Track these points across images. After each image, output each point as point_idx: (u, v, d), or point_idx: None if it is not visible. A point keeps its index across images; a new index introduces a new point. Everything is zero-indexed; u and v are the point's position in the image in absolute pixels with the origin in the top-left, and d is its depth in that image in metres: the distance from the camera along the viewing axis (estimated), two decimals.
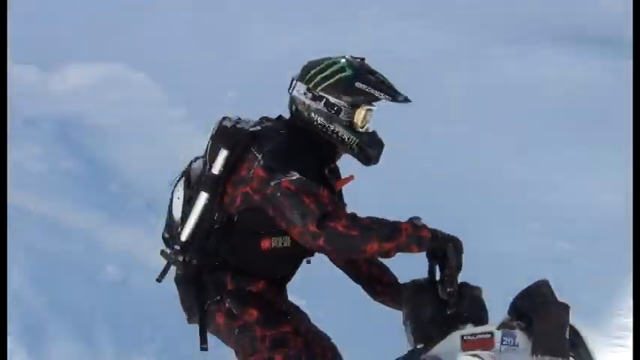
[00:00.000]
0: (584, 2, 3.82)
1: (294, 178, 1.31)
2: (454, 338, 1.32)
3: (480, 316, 1.35)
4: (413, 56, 3.58)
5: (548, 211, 2.85)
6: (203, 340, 1.48)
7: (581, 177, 3.16)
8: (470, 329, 1.32)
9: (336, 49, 1.53)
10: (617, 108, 3.01)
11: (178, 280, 1.54)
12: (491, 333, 1.30)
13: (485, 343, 1.29)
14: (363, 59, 1.46)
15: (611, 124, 3.01)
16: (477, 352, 1.28)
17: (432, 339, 1.33)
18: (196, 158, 1.56)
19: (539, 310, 1.27)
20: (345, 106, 1.41)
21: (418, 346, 1.36)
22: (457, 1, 3.91)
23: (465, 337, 1.30)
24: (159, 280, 1.54)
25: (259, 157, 1.38)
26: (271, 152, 1.37)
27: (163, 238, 1.57)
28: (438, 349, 1.33)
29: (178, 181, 1.54)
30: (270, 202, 1.33)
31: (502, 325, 1.29)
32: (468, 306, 1.35)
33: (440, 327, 1.34)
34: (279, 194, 1.30)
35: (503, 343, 1.29)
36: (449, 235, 1.34)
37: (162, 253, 1.52)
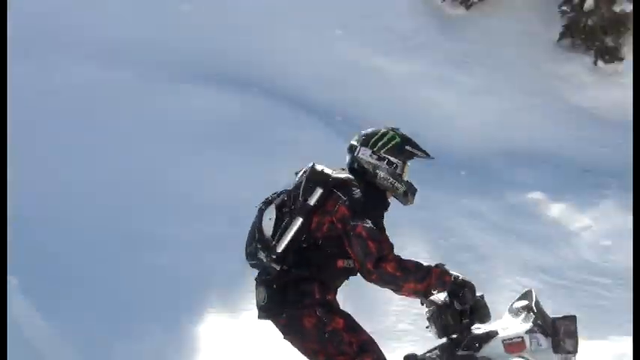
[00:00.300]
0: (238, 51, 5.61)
1: (366, 225, 1.92)
2: (497, 343, 1.95)
3: (484, 320, 2.01)
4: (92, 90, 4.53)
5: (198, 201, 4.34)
6: (286, 332, 1.99)
7: (224, 178, 4.64)
8: (505, 334, 1.97)
9: None
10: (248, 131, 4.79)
11: (261, 283, 2.04)
12: (522, 337, 1.93)
13: (521, 346, 1.92)
14: (398, 129, 2.15)
15: (249, 142, 4.67)
16: (521, 353, 1.92)
17: (451, 334, 2.02)
18: (279, 193, 2.11)
19: (557, 321, 1.91)
20: (399, 163, 2.09)
21: (444, 339, 2.02)
22: (132, 43, 4.87)
23: (504, 342, 1.93)
24: (256, 279, 2.05)
25: (344, 198, 1.98)
26: (354, 199, 1.98)
27: (247, 249, 2.07)
28: (486, 350, 1.96)
29: (267, 206, 2.08)
30: (346, 235, 1.94)
31: (529, 331, 1.91)
32: (476, 317, 2.01)
33: (457, 328, 2.01)
34: (352, 234, 1.91)
35: (532, 344, 1.92)
36: (463, 280, 2.00)
37: (253, 258, 2.03)
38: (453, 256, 4.69)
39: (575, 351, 2.01)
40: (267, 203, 2.13)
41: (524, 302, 2.08)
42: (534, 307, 2.01)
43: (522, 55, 6.43)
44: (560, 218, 5.35)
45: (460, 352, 1.99)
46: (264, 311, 2.07)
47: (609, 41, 5.95)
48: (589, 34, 6.13)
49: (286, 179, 2.18)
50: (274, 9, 6.50)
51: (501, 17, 6.51)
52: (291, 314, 2.00)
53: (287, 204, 2.09)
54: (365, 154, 2.11)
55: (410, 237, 4.93)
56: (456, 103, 6.21)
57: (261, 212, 2.13)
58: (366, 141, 2.14)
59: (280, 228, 2.03)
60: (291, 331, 2.04)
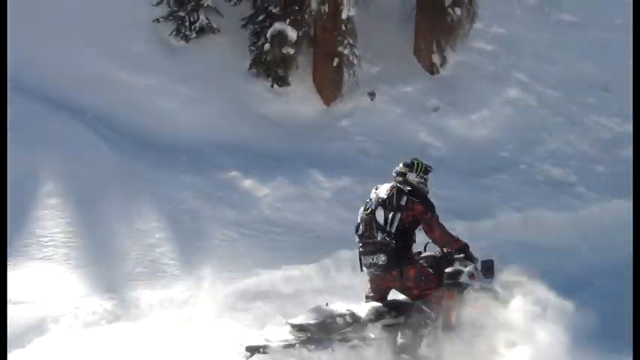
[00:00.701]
0: None
1: (435, 214, 3.96)
2: (464, 275, 3.93)
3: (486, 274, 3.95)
4: None
5: None
6: (395, 279, 3.93)
7: None
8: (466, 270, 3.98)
9: None
10: None
11: (377, 251, 3.90)
12: (473, 272, 3.93)
13: (474, 276, 3.87)
14: (419, 158, 4.13)
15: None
16: (474, 279, 3.95)
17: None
18: (373, 202, 4.04)
19: (482, 262, 3.90)
20: (427, 178, 4.07)
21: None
22: None
23: (467, 273, 3.88)
24: (366, 251, 4.02)
25: (417, 200, 3.95)
26: (424, 199, 3.97)
27: (361, 234, 4.00)
28: (462, 278, 3.97)
29: (377, 207, 3.97)
30: (425, 221, 3.94)
31: (474, 268, 3.82)
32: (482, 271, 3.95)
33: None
34: (432, 220, 3.92)
35: (477, 274, 3.90)
36: (472, 254, 4.01)
37: (369, 238, 3.92)
38: (175, 216, 6.25)
39: (492, 275, 3.88)
40: (375, 206, 3.99)
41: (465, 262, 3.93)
42: (472, 260, 3.93)
43: (226, 76, 8.29)
44: (250, 189, 7.03)
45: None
46: (383, 269, 3.91)
47: (280, 72, 8.44)
48: (267, 66, 8.37)
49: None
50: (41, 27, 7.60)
51: (211, 50, 8.53)
52: (402, 268, 3.87)
53: (387, 206, 3.91)
54: (412, 177, 4.04)
55: (147, 205, 6.29)
56: (180, 108, 7.92)
57: (372, 212, 3.97)
58: (411, 168, 4.05)
59: (389, 219, 3.88)
60: (400, 278, 3.89)
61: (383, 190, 4.03)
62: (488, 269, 3.92)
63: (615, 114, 8.96)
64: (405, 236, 3.89)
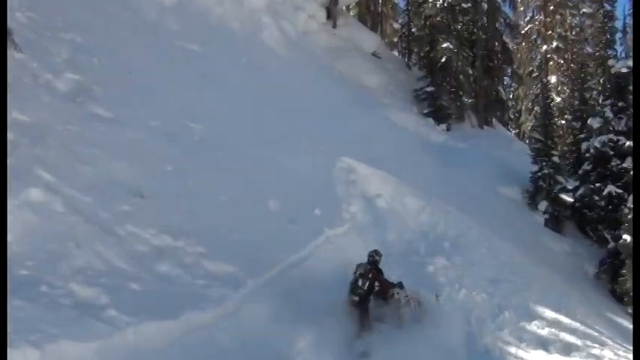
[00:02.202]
0: None
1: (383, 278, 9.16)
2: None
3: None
4: None
5: None
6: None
7: None
8: None
9: None
10: None
11: (356, 303, 8.69)
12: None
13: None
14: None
15: None
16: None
17: None
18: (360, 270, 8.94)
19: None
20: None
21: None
22: None
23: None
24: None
25: (375, 270, 8.94)
26: (379, 270, 9.09)
27: (354, 292, 8.72)
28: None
29: (360, 276, 8.79)
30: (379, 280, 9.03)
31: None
32: None
33: None
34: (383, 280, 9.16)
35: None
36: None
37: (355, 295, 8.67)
38: None
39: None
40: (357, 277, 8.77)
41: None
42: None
43: None
44: None
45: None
46: (357, 301, 8.62)
47: None
48: None
49: None
50: None
51: None
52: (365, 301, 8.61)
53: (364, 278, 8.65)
54: (378, 259, 9.03)
55: None
56: None
57: (356, 279, 8.76)
58: (379, 254, 9.09)
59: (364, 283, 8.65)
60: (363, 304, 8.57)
61: (362, 268, 8.93)
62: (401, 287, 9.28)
63: (151, 224, 8.46)
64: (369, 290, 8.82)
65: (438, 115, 25.92)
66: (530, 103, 34.48)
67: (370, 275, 8.99)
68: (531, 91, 34.44)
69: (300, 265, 9.39)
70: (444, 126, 26.04)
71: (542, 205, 19.94)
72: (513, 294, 11.86)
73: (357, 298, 8.74)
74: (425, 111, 26.69)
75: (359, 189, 13.57)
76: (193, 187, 9.56)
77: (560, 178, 20.33)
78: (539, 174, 20.25)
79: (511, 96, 38.34)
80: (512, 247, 14.21)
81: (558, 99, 30.44)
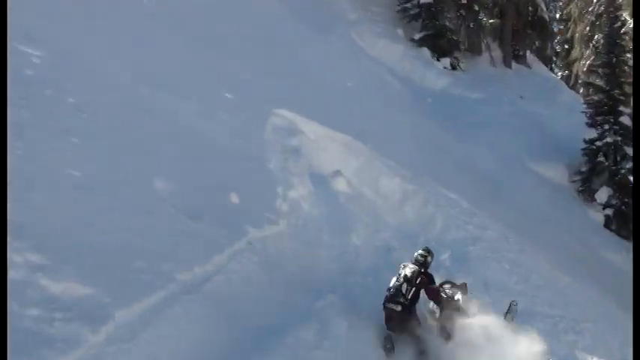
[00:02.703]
0: None
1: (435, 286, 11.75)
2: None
3: None
4: None
5: None
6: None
7: None
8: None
9: None
10: None
11: (397, 312, 11.04)
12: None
13: None
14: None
15: None
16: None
17: None
18: (405, 276, 11.28)
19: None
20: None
21: None
22: None
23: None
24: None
25: (424, 275, 11.53)
26: (430, 275, 11.67)
27: (391, 294, 11.05)
28: None
29: (402, 283, 11.15)
30: (427, 289, 11.56)
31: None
32: None
33: None
34: (430, 289, 11.60)
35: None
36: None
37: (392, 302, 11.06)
38: None
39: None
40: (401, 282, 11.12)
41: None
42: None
43: None
44: None
45: None
46: (398, 312, 11.02)
47: None
48: None
49: None
50: None
51: None
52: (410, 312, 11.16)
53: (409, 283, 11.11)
54: (429, 259, 11.66)
55: None
56: None
57: (400, 285, 11.12)
58: (431, 254, 11.80)
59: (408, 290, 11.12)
60: (406, 330, 11.15)
61: (408, 270, 11.29)
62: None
63: None
64: (413, 300, 11.17)
65: (438, 43, 26.25)
66: (588, 28, 35.13)
67: (418, 281, 11.21)
68: (591, 8, 35.02)
69: (200, 287, 9.47)
70: (447, 62, 26.42)
71: (603, 193, 20.50)
72: (556, 340, 12.25)
73: (399, 308, 10.98)
74: (416, 36, 26.98)
75: (305, 162, 13.73)
76: (27, 156, 9.46)
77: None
78: (598, 144, 20.79)
79: (558, 15, 39.05)
80: (552, 263, 14.73)
81: (633, 21, 31.00)
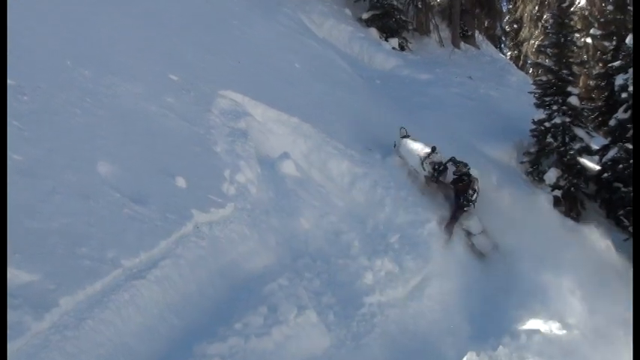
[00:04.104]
0: None
1: None
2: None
3: None
4: None
5: None
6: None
7: None
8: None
9: None
10: None
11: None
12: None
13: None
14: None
15: None
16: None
17: None
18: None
19: None
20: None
21: None
22: None
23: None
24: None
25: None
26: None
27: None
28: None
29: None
30: None
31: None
32: None
33: None
34: None
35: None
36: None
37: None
38: None
39: None
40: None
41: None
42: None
43: None
44: None
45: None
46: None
47: None
48: None
49: None
50: None
51: None
52: None
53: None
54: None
55: None
56: None
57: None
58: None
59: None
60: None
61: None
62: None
63: None
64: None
65: (386, 23, 26.43)
66: (537, 7, 35.65)
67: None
68: None
69: (147, 272, 9.51)
70: (395, 42, 26.62)
71: (551, 174, 20.79)
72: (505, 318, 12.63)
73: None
74: (364, 16, 27.14)
75: (252, 145, 13.79)
76: None
77: (581, 132, 20.94)
78: (547, 125, 21.09)
79: None
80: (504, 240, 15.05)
81: (583, 1, 31.52)
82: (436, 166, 16.15)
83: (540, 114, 21.00)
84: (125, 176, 10.70)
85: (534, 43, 33.38)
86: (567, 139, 20.52)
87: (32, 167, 9.71)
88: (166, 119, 12.79)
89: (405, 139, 17.08)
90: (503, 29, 38.58)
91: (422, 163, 16.11)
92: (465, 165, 15.83)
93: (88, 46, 13.31)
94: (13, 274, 8.18)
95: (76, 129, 10.96)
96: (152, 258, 9.68)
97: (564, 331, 12.44)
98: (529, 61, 34.72)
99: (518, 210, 16.45)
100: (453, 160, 15.97)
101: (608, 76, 23.78)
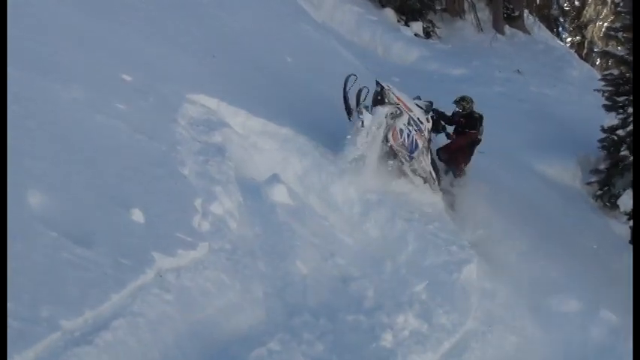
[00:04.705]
0: None
1: None
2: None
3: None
4: None
5: None
6: None
7: None
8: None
9: None
10: None
11: None
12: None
13: None
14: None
15: None
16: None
17: None
18: None
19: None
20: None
21: None
22: None
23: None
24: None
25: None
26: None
27: None
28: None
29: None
30: None
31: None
32: None
33: None
34: None
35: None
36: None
37: None
38: None
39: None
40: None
41: None
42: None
43: None
44: None
45: None
46: None
47: None
48: None
49: None
50: None
51: None
52: None
53: None
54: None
55: None
56: None
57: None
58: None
59: None
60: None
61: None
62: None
63: None
64: None
65: (406, 2, 26.43)
66: None
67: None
68: None
69: (94, 336, 9.40)
70: (418, 27, 26.66)
71: (627, 199, 20.84)
72: None
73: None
74: None
75: (231, 166, 13.78)
76: None
77: None
78: (620, 133, 21.15)
79: None
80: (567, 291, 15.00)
81: None
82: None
83: (612, 119, 21.07)
84: (64, 209, 10.65)
85: (602, 25, 33.46)
86: None
87: None
88: (117, 132, 12.76)
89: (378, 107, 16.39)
90: (561, 8, 38.74)
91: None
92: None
93: (13, 39, 13.31)
94: None
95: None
96: (101, 317, 9.60)
97: None
98: (595, 49, 34.78)
99: (584, 245, 16.39)
100: (429, 103, 17.49)
101: None
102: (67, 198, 10.82)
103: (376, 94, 16.16)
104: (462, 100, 18.41)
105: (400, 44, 25.52)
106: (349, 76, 16.25)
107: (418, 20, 26.35)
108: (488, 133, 20.65)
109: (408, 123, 16.18)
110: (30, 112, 11.93)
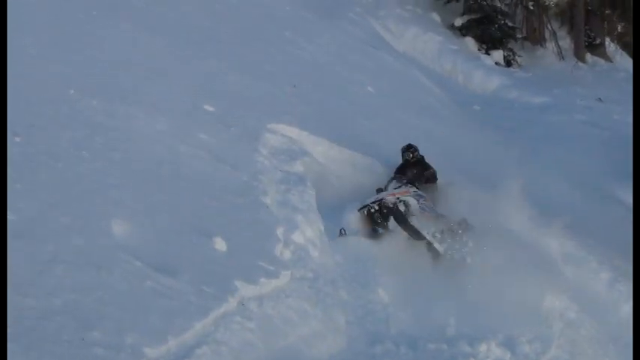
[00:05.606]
0: None
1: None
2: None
3: None
4: None
5: None
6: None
7: None
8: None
9: None
10: None
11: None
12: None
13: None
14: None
15: None
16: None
17: None
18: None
19: None
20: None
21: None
22: None
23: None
24: None
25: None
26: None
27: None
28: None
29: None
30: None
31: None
32: None
33: None
34: None
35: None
36: None
37: None
38: None
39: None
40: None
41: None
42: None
43: None
44: None
45: None
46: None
47: None
48: None
49: None
50: None
51: None
52: None
53: None
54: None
55: None
56: None
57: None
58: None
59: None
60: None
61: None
62: None
63: None
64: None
65: (487, 31, 26.35)
66: None
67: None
68: None
69: None
70: (499, 55, 26.52)
71: None
72: None
73: None
74: (458, 22, 27.15)
75: (313, 195, 13.79)
76: None
77: None
78: None
79: None
80: None
81: None
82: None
83: None
84: (147, 238, 10.74)
85: None
86: None
87: (28, 228, 9.82)
88: (200, 162, 12.86)
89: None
90: None
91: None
92: None
93: (97, 69, 13.50)
94: None
95: (84, 178, 11.06)
96: (184, 345, 9.65)
97: None
98: None
99: None
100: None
101: None
102: (151, 227, 10.92)
103: (374, 213, 14.83)
104: (409, 149, 16.38)
105: (481, 73, 25.43)
106: (341, 229, 14.35)
107: (499, 49, 26.23)
108: (569, 161, 20.45)
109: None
110: (114, 144, 12.07)
